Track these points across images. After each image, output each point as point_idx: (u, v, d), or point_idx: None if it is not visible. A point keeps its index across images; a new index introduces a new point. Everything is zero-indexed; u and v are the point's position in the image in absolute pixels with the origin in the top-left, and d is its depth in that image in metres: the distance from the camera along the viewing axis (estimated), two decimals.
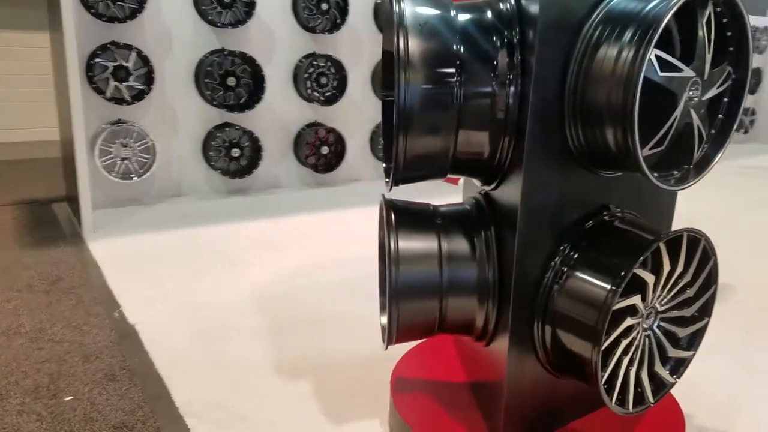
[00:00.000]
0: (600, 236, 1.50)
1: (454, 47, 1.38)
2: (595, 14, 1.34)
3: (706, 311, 1.57)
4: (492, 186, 1.55)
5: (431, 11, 1.41)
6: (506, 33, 1.40)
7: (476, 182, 1.66)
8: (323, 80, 5.09)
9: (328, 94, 5.13)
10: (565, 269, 1.47)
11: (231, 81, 4.70)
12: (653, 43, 1.20)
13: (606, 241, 1.49)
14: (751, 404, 2.08)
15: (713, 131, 1.44)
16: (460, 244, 1.56)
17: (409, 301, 1.53)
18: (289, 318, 2.66)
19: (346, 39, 5.21)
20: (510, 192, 1.47)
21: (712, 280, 1.54)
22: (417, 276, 1.53)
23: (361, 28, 5.29)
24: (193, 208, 4.56)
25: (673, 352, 1.55)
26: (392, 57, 1.58)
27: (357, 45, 5.31)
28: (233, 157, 4.87)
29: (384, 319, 1.77)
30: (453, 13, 1.43)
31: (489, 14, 1.44)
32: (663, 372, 1.55)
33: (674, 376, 1.56)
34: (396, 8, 1.37)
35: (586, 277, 1.43)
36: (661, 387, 1.55)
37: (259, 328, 2.55)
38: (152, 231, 3.93)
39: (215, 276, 3.15)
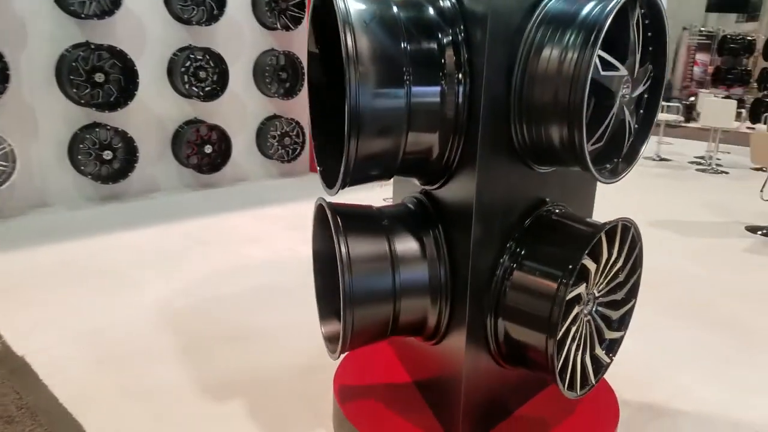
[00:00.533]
0: (542, 231, 1.55)
1: (402, 45, 1.35)
2: (535, 15, 1.37)
3: (633, 293, 1.68)
4: (436, 185, 1.54)
5: (374, 7, 1.36)
6: (450, 31, 1.39)
7: (416, 182, 1.64)
8: (202, 74, 4.80)
9: (207, 89, 4.86)
10: (515, 265, 1.51)
11: (99, 77, 4.28)
12: (598, 45, 1.25)
13: (549, 236, 1.54)
14: (666, 374, 2.27)
15: (636, 125, 1.54)
16: (410, 246, 1.53)
17: (364, 307, 1.48)
18: (203, 334, 2.48)
19: (224, 31, 4.96)
20: (458, 191, 1.47)
21: (638, 263, 1.65)
22: (371, 281, 1.49)
23: (241, 19, 5.07)
24: (64, 219, 4.11)
25: (608, 334, 1.65)
26: (315, 58, 1.53)
27: (237, 37, 5.08)
28: (105, 160, 4.46)
29: (325, 328, 1.71)
30: (395, 9, 1.39)
31: (431, 11, 1.42)
32: (601, 353, 1.64)
33: (610, 356, 1.66)
34: (340, 4, 1.30)
35: (536, 271, 1.48)
36: (600, 367, 1.64)
37: (171, 348, 2.35)
38: (20, 248, 3.48)
39: (107, 294, 2.86)
